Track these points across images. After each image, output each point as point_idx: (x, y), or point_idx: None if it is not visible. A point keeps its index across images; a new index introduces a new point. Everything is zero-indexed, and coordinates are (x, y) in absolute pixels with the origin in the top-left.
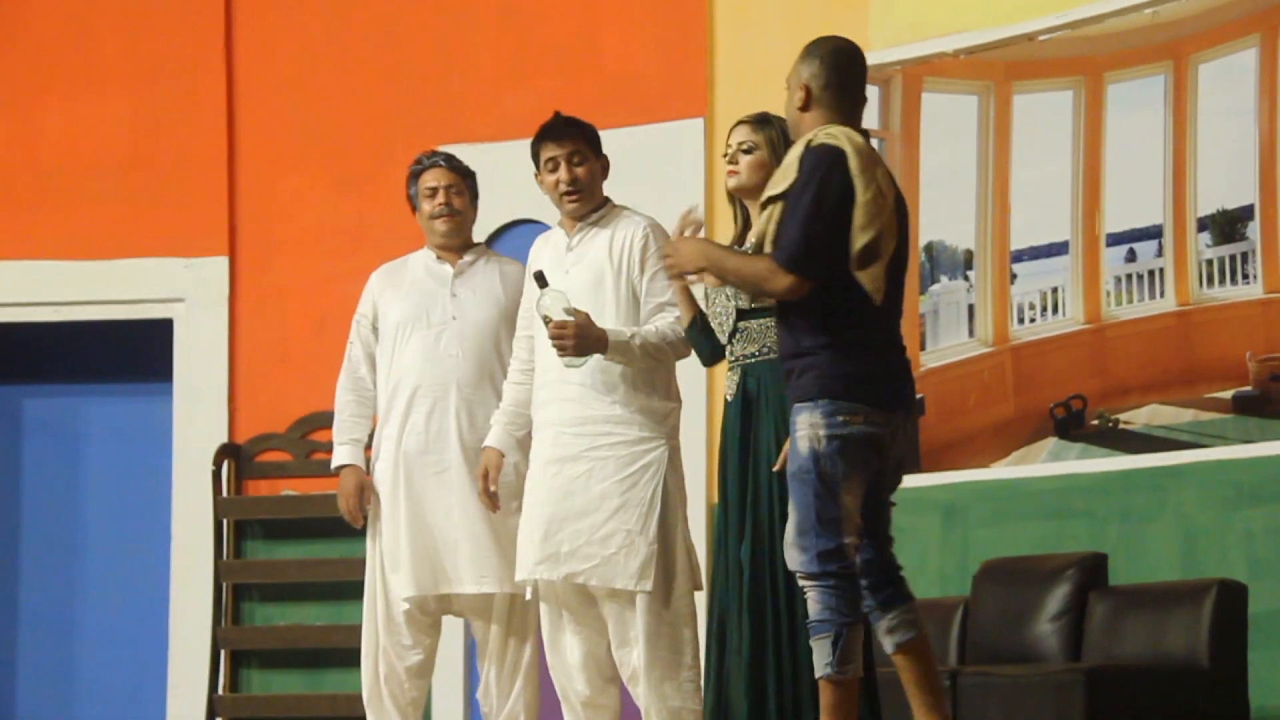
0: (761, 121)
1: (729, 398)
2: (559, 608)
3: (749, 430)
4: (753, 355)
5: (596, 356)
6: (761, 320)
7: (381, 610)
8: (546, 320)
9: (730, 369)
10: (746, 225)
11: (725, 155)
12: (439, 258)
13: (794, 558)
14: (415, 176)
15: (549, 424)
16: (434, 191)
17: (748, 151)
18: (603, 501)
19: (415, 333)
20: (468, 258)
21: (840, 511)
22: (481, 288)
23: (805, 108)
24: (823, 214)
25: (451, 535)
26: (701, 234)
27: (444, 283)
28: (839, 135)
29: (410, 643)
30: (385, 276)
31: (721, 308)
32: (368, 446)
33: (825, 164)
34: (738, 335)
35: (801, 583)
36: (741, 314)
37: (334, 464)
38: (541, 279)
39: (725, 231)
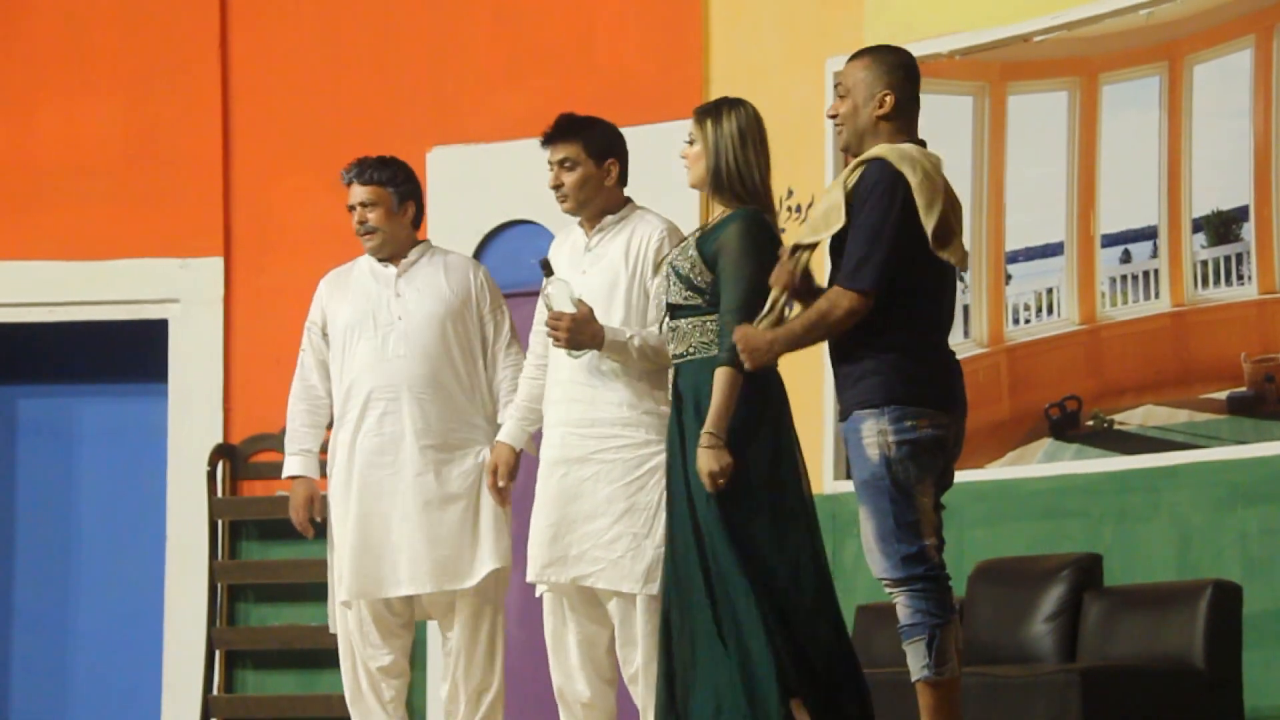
0: (702, 113)
1: (671, 396)
2: (564, 609)
3: (681, 429)
4: (682, 355)
5: (600, 354)
6: (691, 319)
7: (352, 612)
8: (549, 309)
9: (669, 366)
10: None
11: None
12: (381, 260)
13: (878, 564)
14: (348, 189)
15: (557, 423)
16: (352, 209)
17: (689, 143)
18: (610, 505)
19: (362, 337)
20: (411, 256)
21: (917, 514)
22: (425, 285)
23: (890, 116)
24: (875, 224)
25: (395, 538)
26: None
27: (388, 284)
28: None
29: (378, 643)
30: (333, 281)
31: (661, 299)
32: (323, 450)
33: (886, 181)
34: (673, 332)
35: (888, 589)
36: (673, 310)
37: (284, 474)
38: (547, 267)
39: None
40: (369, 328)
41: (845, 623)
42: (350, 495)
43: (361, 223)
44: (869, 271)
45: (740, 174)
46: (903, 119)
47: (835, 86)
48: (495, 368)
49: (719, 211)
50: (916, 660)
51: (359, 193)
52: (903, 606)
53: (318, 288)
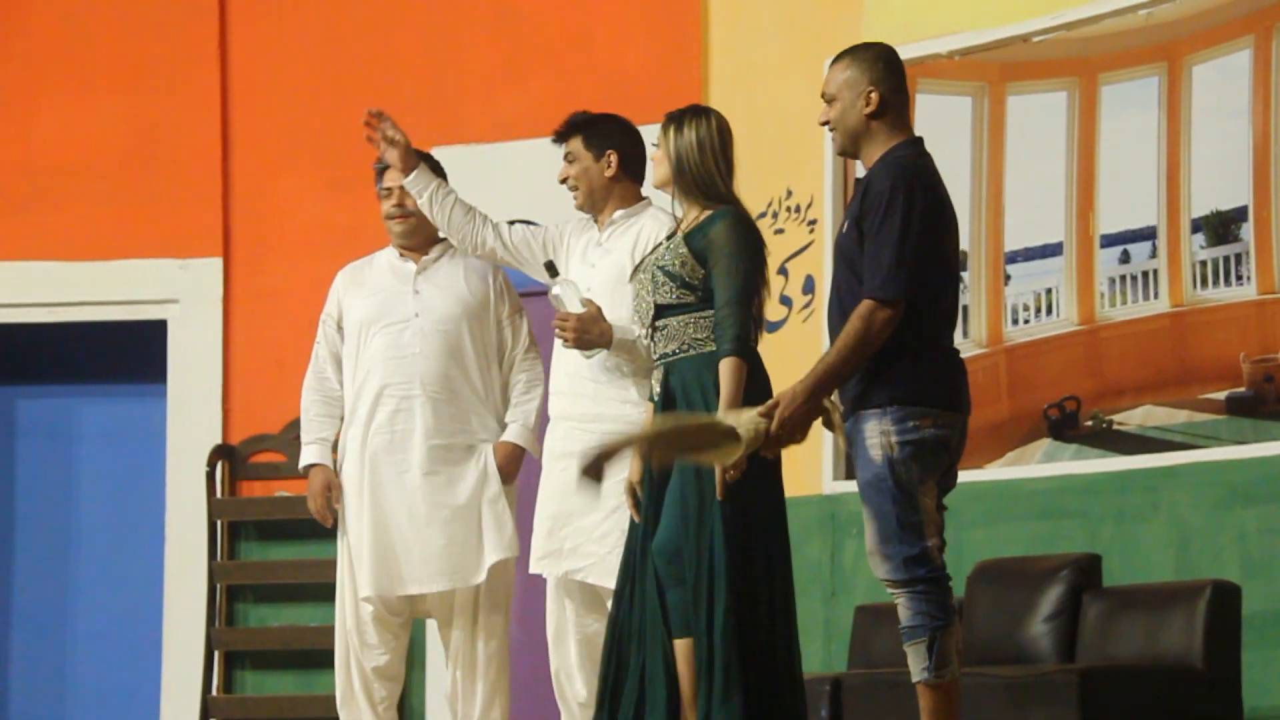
0: (668, 120)
1: (654, 396)
2: (565, 605)
3: None
4: (674, 353)
5: (609, 353)
6: (681, 317)
7: (350, 610)
8: (557, 310)
9: (654, 366)
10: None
11: None
12: (402, 255)
13: (879, 566)
14: (378, 175)
15: (563, 417)
16: (390, 192)
17: (654, 146)
18: (604, 500)
19: (378, 332)
20: (433, 253)
21: (920, 515)
22: (445, 283)
23: (878, 114)
24: (908, 233)
25: (407, 536)
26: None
27: (406, 280)
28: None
29: (375, 642)
30: (350, 275)
31: (643, 299)
32: (335, 446)
33: (901, 186)
34: (658, 332)
35: (890, 590)
36: (660, 310)
37: (301, 464)
38: (551, 269)
39: None
40: (384, 323)
41: (798, 644)
42: (364, 493)
43: (398, 205)
44: (901, 280)
45: (699, 180)
46: (892, 114)
47: (822, 95)
48: (511, 372)
49: (696, 212)
50: (917, 662)
51: (400, 176)
52: (904, 608)
53: (335, 280)
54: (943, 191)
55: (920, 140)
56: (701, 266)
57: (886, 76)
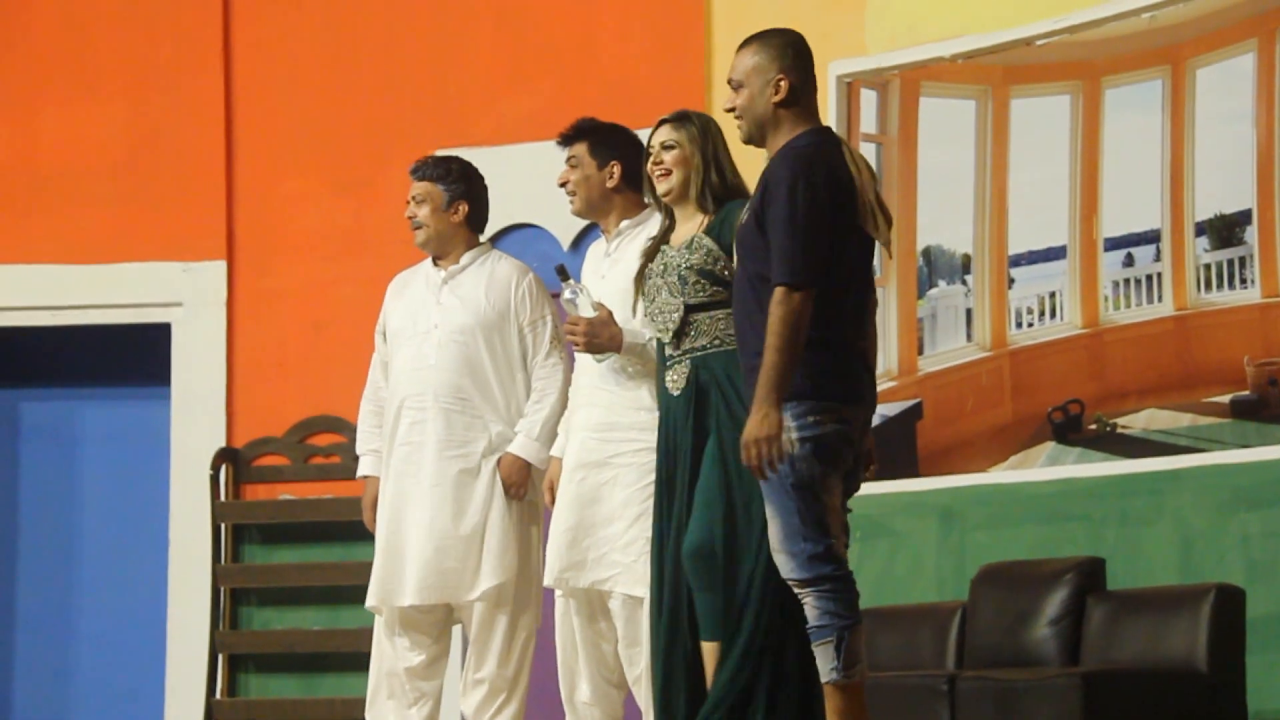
0: (681, 119)
1: (675, 391)
2: (572, 610)
3: (703, 421)
4: (704, 348)
5: (620, 356)
6: (712, 313)
7: (384, 613)
8: (568, 314)
9: (675, 362)
10: (671, 227)
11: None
12: (435, 264)
13: (784, 564)
14: None
15: (578, 428)
16: (408, 201)
17: (670, 148)
18: (625, 509)
19: (404, 343)
20: (462, 261)
21: (823, 512)
22: (467, 293)
23: (786, 102)
24: (811, 221)
25: (413, 548)
26: None
27: (434, 290)
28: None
29: (408, 644)
30: (396, 285)
31: (665, 303)
32: None
33: (789, 175)
34: (688, 330)
35: (796, 590)
36: (690, 309)
37: (357, 474)
38: (563, 272)
39: None
40: (409, 334)
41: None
42: (384, 504)
43: (410, 217)
44: (809, 266)
45: (724, 183)
46: (801, 103)
47: (728, 81)
48: (533, 380)
49: (701, 215)
50: (825, 662)
51: (412, 188)
52: (811, 608)
53: (388, 288)
54: (845, 177)
55: (827, 129)
56: (732, 259)
57: (796, 64)
